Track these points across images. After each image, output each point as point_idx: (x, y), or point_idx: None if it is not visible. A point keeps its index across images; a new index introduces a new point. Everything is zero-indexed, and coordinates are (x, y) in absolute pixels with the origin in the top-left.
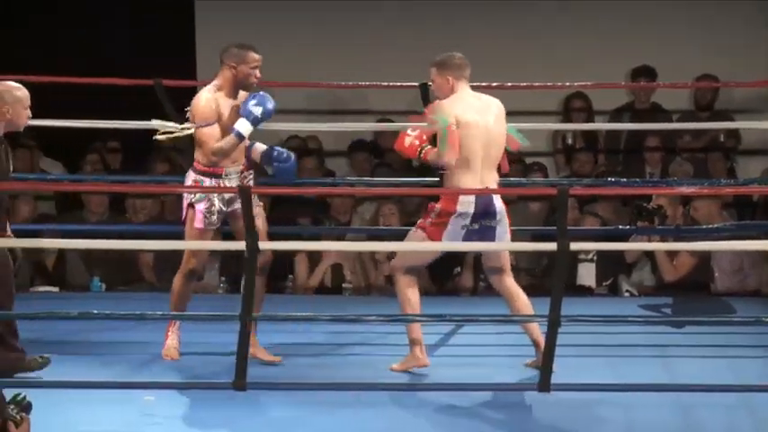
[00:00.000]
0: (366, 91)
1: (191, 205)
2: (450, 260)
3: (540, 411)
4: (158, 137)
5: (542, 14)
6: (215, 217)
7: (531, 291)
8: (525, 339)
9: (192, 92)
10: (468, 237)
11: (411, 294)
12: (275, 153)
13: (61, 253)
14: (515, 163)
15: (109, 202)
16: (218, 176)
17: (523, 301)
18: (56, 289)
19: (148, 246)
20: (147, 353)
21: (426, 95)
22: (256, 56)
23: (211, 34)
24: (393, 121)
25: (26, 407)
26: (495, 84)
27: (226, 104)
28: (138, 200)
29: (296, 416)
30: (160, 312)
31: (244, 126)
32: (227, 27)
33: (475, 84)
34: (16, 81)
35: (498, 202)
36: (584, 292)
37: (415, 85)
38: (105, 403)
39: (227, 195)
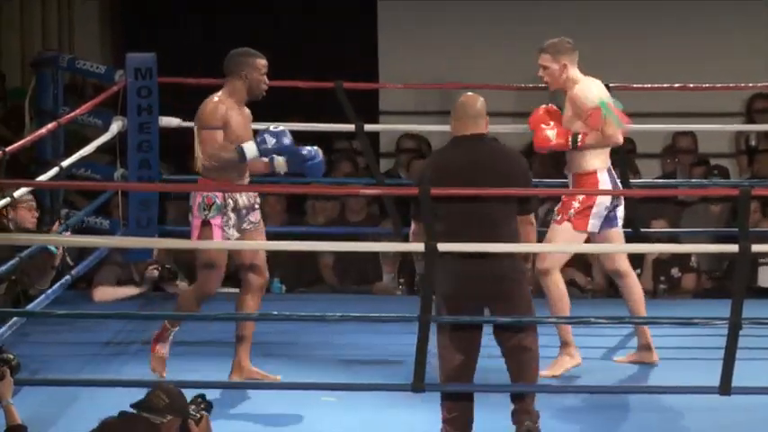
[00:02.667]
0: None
1: (205, 222)
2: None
3: (718, 415)
4: None
5: (714, 11)
6: (231, 230)
7: (712, 293)
8: (708, 342)
9: (374, 94)
10: (608, 220)
11: (562, 293)
12: (305, 152)
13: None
14: (698, 165)
15: (287, 205)
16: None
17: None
18: (237, 290)
19: (329, 247)
20: (327, 353)
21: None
22: (264, 61)
23: (394, 35)
24: None
25: (207, 406)
26: (677, 85)
27: (234, 113)
28: (317, 201)
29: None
30: (340, 314)
31: (251, 150)
32: (411, 29)
33: (656, 85)
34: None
35: None
36: (766, 294)
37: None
38: (284, 404)
39: (241, 206)
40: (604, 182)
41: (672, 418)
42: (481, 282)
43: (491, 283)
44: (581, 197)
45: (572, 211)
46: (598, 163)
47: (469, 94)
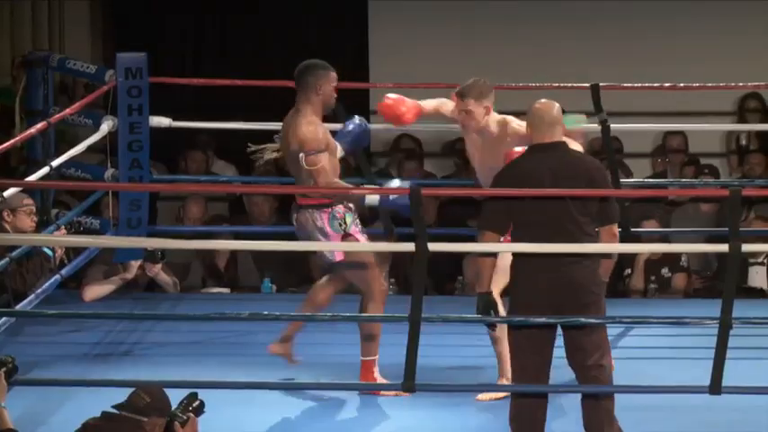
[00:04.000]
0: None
1: (345, 236)
2: (619, 262)
3: (708, 414)
4: (255, 152)
5: (714, 12)
6: (364, 234)
7: (702, 293)
8: (698, 342)
9: (365, 94)
10: None
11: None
12: (351, 124)
13: (233, 254)
14: (688, 165)
15: (277, 206)
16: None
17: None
18: (227, 290)
19: (319, 247)
20: (316, 354)
21: (598, 97)
22: (335, 74)
23: (385, 34)
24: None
25: (198, 407)
26: (667, 84)
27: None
28: None
29: (464, 419)
30: (330, 314)
31: (372, 200)
32: (401, 28)
33: (647, 84)
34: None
35: None
36: (756, 294)
37: (586, 86)
38: (268, 405)
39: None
40: None
41: (662, 417)
42: (559, 293)
43: (569, 295)
44: None
45: None
46: None
47: (544, 100)
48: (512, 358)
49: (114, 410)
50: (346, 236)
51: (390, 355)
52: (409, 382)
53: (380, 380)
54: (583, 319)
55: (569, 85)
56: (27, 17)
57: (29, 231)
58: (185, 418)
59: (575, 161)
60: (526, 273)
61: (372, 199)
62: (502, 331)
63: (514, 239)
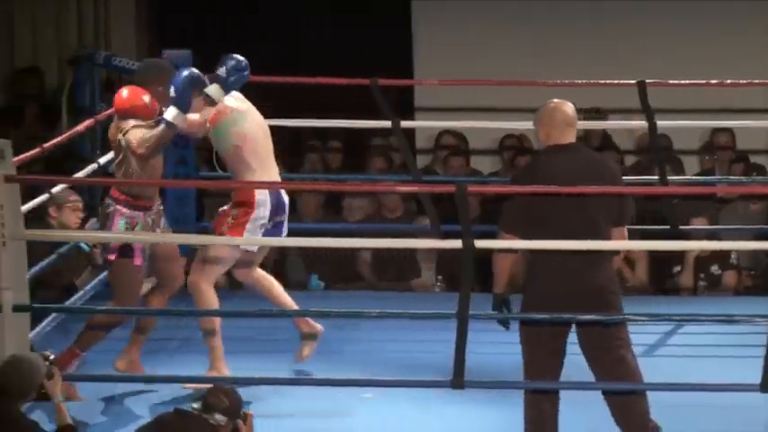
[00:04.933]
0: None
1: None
2: (669, 259)
3: (758, 413)
4: None
5: (752, 9)
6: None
7: (752, 291)
8: (748, 339)
9: (410, 91)
10: (270, 233)
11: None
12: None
13: (281, 252)
14: (736, 162)
15: (324, 202)
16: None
17: (278, 288)
18: None
19: (367, 244)
20: (366, 350)
21: (645, 94)
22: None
23: (429, 32)
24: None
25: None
26: (714, 81)
27: None
28: (354, 199)
29: (509, 416)
30: (377, 310)
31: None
32: (445, 25)
33: (693, 81)
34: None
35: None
36: None
37: (632, 83)
38: (318, 399)
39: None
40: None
41: (711, 415)
42: (580, 295)
43: (589, 295)
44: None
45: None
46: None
47: (557, 100)
48: (525, 356)
49: (188, 408)
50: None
51: (438, 352)
52: (458, 379)
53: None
54: (619, 317)
55: (614, 81)
56: (73, 14)
57: (74, 228)
58: (244, 414)
59: (595, 161)
60: (545, 275)
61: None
62: None
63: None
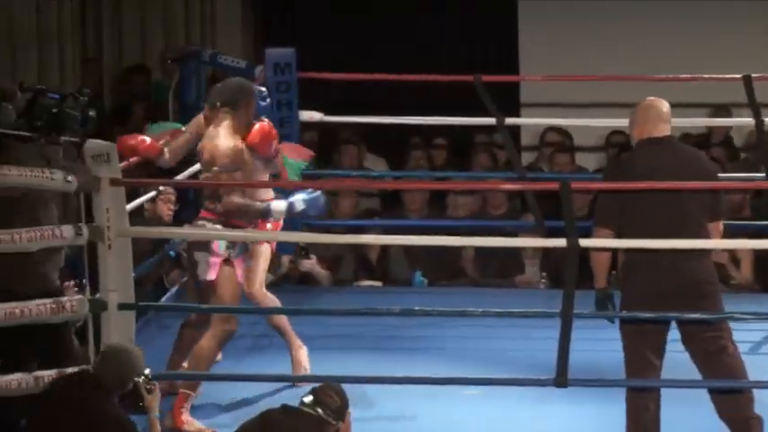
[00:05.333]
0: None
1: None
2: None
3: None
4: None
5: None
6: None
7: None
8: None
9: (515, 87)
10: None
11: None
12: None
13: (384, 248)
14: None
15: (429, 198)
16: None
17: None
18: (379, 283)
19: (471, 242)
20: (470, 347)
21: (751, 88)
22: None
23: (534, 29)
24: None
25: None
26: None
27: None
28: (459, 196)
29: (611, 414)
30: (481, 309)
31: (277, 208)
32: (550, 21)
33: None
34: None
35: None
36: None
37: (737, 78)
38: (427, 397)
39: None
40: None
41: None
42: (678, 287)
43: (689, 288)
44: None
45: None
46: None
47: (652, 98)
48: (627, 352)
49: (297, 406)
50: (227, 261)
51: (541, 350)
52: (561, 378)
53: (189, 423)
54: (718, 315)
55: (718, 76)
56: (180, 13)
57: (165, 220)
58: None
59: (689, 155)
60: (644, 270)
61: (278, 209)
62: None
63: (626, 237)
